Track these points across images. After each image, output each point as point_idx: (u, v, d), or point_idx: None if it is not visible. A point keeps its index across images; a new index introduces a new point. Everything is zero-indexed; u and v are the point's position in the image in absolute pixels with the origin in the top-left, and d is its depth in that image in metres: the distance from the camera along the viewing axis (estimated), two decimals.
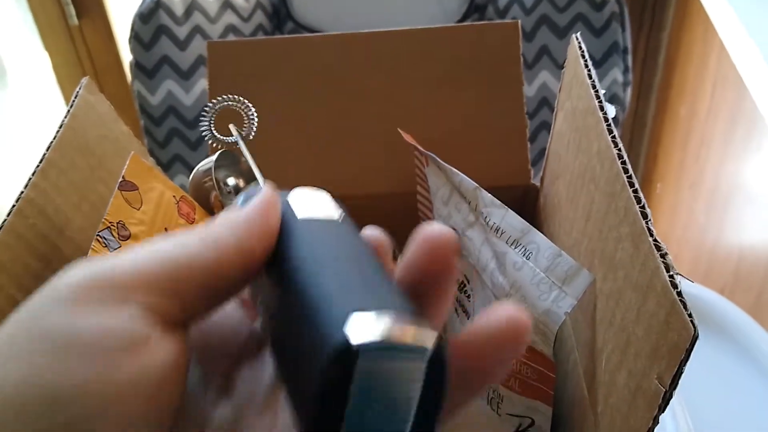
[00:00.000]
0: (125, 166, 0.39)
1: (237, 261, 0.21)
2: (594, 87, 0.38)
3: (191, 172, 0.45)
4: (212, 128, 0.41)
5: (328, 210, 0.24)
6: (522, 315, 0.20)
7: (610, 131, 0.35)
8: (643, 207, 0.30)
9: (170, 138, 0.96)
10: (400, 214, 0.47)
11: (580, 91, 0.40)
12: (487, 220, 0.41)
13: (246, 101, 0.42)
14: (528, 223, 0.39)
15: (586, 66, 0.40)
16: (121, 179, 0.38)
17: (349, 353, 0.17)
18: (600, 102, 0.37)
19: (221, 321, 0.25)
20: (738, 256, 0.81)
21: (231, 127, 0.41)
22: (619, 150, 0.33)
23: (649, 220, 0.29)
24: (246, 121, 0.41)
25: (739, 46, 0.74)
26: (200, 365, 0.24)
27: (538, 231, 0.38)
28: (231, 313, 0.25)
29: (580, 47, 0.41)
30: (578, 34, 0.42)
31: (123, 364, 0.18)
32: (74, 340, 0.18)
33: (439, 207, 0.47)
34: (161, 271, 0.20)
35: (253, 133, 0.41)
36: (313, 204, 0.24)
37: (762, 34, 0.70)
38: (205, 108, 0.41)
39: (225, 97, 0.41)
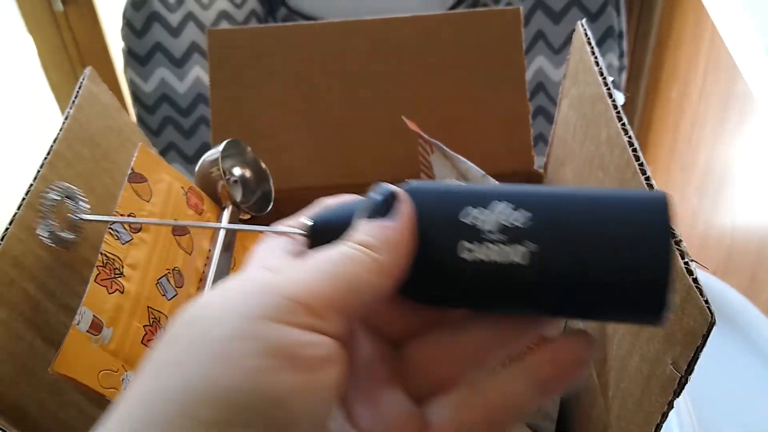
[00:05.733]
0: (133, 158, 0.38)
1: (389, 285, 0.23)
2: (602, 74, 0.38)
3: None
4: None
5: None
6: None
7: (620, 118, 0.35)
8: None
9: (164, 126, 0.95)
10: None
11: (587, 78, 0.40)
12: None
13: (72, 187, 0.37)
14: None
15: (593, 52, 0.40)
16: (130, 171, 0.38)
17: None
18: (608, 89, 0.37)
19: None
20: (730, 238, 0.82)
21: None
22: (630, 137, 0.33)
23: None
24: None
25: (733, 29, 0.74)
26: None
27: None
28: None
29: (586, 33, 0.41)
30: (584, 20, 0.42)
31: (323, 376, 0.20)
32: (286, 350, 0.20)
33: None
34: (336, 294, 0.22)
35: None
36: None
37: (755, 16, 0.71)
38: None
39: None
